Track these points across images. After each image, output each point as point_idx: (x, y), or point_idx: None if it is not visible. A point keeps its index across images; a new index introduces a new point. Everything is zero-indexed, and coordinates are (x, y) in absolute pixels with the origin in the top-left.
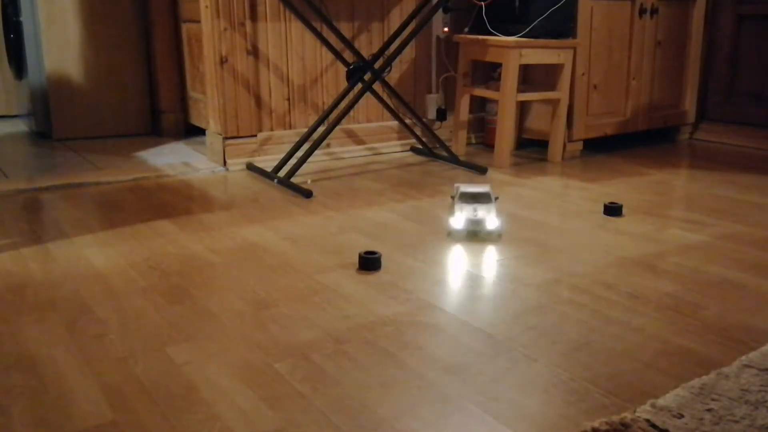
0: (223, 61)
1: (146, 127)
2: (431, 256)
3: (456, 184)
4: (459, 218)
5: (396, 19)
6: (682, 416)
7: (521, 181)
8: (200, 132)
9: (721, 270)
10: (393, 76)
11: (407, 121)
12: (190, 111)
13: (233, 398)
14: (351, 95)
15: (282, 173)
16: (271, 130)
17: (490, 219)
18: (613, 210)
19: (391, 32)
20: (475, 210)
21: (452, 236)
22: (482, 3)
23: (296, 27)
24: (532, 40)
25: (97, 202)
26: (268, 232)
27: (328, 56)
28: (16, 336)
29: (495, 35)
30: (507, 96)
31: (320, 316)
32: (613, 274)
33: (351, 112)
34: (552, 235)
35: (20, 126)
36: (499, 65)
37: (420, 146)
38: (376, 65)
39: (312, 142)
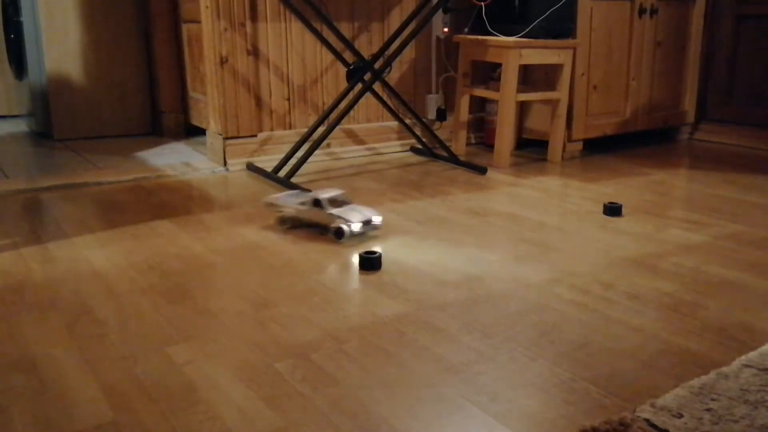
0: (223, 61)
1: (146, 127)
2: (431, 256)
3: (282, 195)
4: (355, 220)
5: (396, 19)
6: (681, 416)
7: (521, 181)
8: (200, 132)
9: (720, 270)
10: (393, 76)
11: (407, 121)
12: (190, 111)
13: (233, 398)
14: (351, 95)
15: (282, 173)
16: (272, 130)
17: (372, 214)
18: (613, 210)
19: (391, 32)
20: (353, 210)
21: (345, 240)
22: (482, 3)
23: (296, 27)
24: (531, 40)
25: (97, 202)
26: (268, 231)
27: (328, 56)
28: (16, 336)
29: (495, 35)
30: (507, 96)
31: (320, 316)
32: (612, 274)
33: (351, 112)
34: (552, 235)
35: (21, 126)
36: (499, 65)
37: (420, 146)
38: (376, 65)
39: (312, 142)
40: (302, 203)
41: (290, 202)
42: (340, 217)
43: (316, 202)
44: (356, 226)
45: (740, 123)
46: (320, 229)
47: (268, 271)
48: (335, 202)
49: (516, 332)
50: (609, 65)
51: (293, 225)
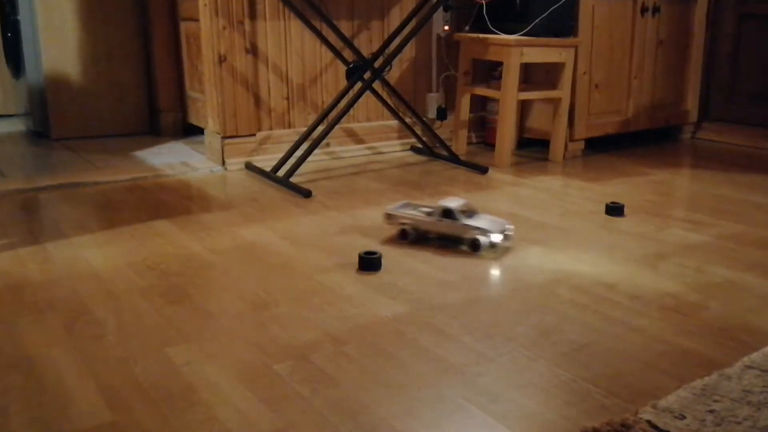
0: (221, 59)
1: (144, 126)
2: (431, 257)
3: (400, 206)
4: (493, 230)
5: (396, 17)
6: (683, 417)
7: (522, 181)
8: (199, 131)
9: (722, 270)
10: (393, 74)
11: (407, 120)
12: (188, 110)
13: (232, 399)
14: (351, 94)
15: (281, 173)
16: (270, 129)
17: (504, 223)
18: (614, 210)
19: (391, 30)
20: (487, 220)
21: (482, 252)
22: (483, 1)
23: (295, 25)
24: (533, 38)
25: (95, 201)
26: (267, 232)
27: (328, 55)
28: (14, 336)
29: (496, 34)
30: (508, 95)
31: (320, 317)
32: (614, 274)
33: (351, 111)
34: (553, 235)
35: (18, 125)
36: (500, 64)
37: (420, 145)
38: (376, 64)
39: (311, 141)
40: (429, 214)
41: (413, 213)
42: (476, 228)
43: (447, 213)
44: (496, 237)
45: (743, 122)
46: (451, 241)
47: (268, 271)
48: (465, 212)
49: (517, 333)
50: (611, 64)
51: (419, 237)
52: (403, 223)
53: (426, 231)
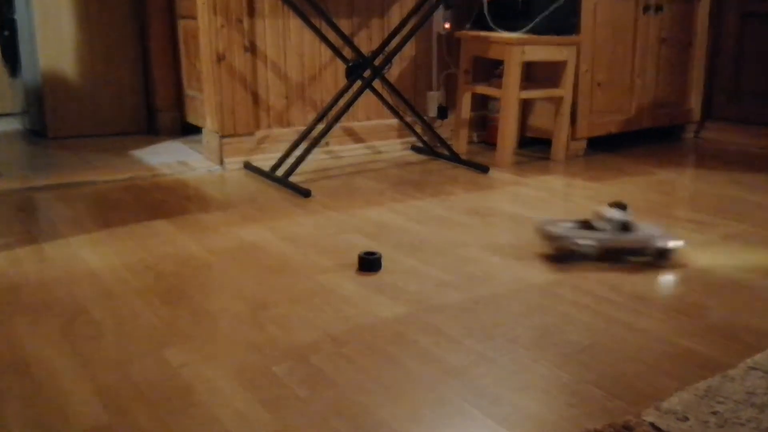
0: (220, 58)
1: (142, 125)
2: (432, 257)
3: (556, 225)
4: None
5: (396, 15)
6: (686, 419)
7: (524, 180)
8: (197, 130)
9: (726, 271)
10: (393, 73)
11: (407, 119)
12: (186, 109)
13: (231, 401)
14: (350, 93)
15: (280, 172)
16: (269, 128)
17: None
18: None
19: (391, 28)
20: (655, 227)
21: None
22: None
23: (295, 23)
24: (534, 36)
25: (92, 201)
26: (266, 232)
27: (327, 53)
28: (10, 337)
29: (497, 32)
30: (509, 93)
31: (319, 318)
32: (616, 274)
33: (350, 110)
34: None
35: (14, 124)
36: (502, 62)
37: (420, 145)
38: (376, 62)
39: (311, 140)
40: (602, 230)
41: (580, 232)
42: (661, 237)
43: (625, 226)
44: (675, 243)
45: (746, 122)
46: (629, 254)
47: (266, 271)
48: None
49: (518, 334)
50: (613, 62)
51: (598, 256)
52: (578, 244)
53: (605, 248)
